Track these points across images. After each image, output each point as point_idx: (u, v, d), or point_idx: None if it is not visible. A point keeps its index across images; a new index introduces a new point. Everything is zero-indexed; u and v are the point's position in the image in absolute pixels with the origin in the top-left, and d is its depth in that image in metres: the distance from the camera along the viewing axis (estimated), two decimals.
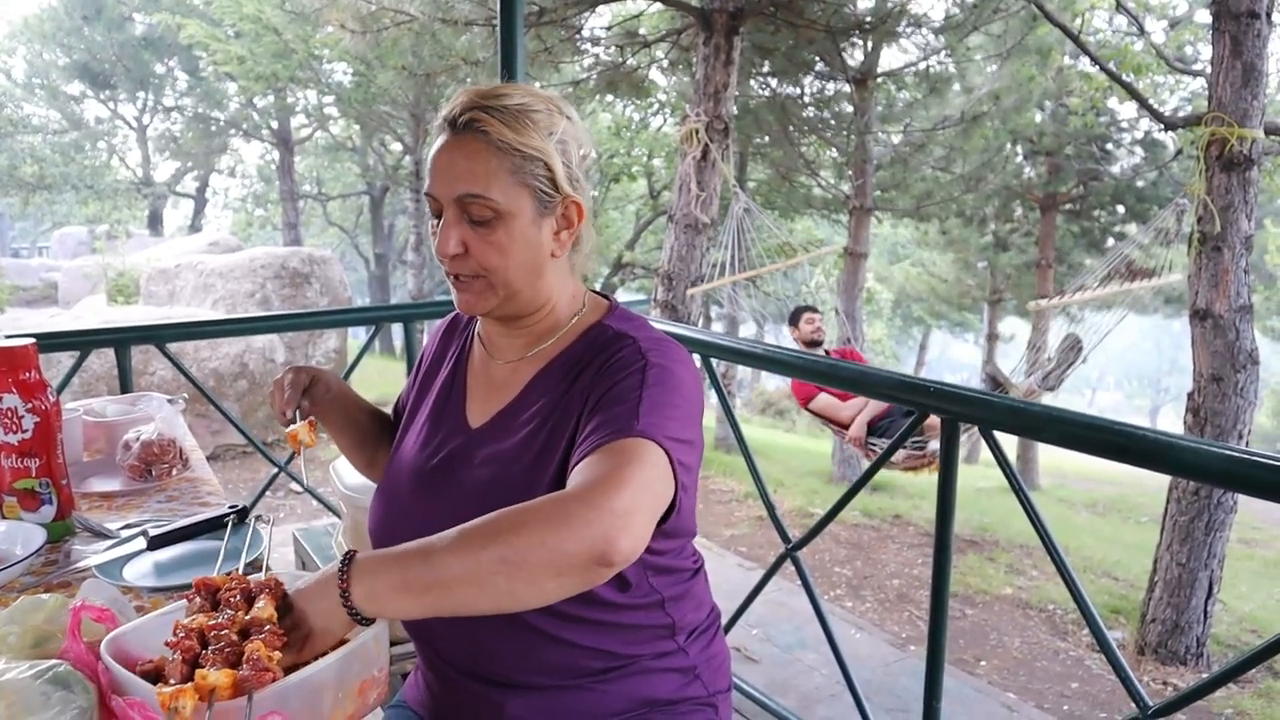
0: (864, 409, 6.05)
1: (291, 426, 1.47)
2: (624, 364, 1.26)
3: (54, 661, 1.04)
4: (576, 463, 1.16)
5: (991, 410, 2.05)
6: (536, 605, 1.06)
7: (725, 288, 8.18)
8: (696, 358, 2.56)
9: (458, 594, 1.01)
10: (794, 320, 6.77)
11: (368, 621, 1.05)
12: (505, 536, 1.01)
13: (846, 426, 6.13)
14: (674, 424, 1.18)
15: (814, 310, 6.79)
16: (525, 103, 1.27)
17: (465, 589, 1.01)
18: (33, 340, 1.62)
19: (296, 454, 1.49)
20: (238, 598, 1.09)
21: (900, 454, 5.74)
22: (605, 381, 1.25)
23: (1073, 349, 5.98)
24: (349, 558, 1.06)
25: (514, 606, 1.05)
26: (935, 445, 5.65)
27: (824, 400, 6.20)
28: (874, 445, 5.96)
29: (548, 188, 1.28)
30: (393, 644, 2.02)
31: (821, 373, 2.63)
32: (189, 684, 0.95)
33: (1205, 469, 1.72)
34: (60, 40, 22.76)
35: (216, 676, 0.94)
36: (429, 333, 1.65)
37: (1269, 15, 4.89)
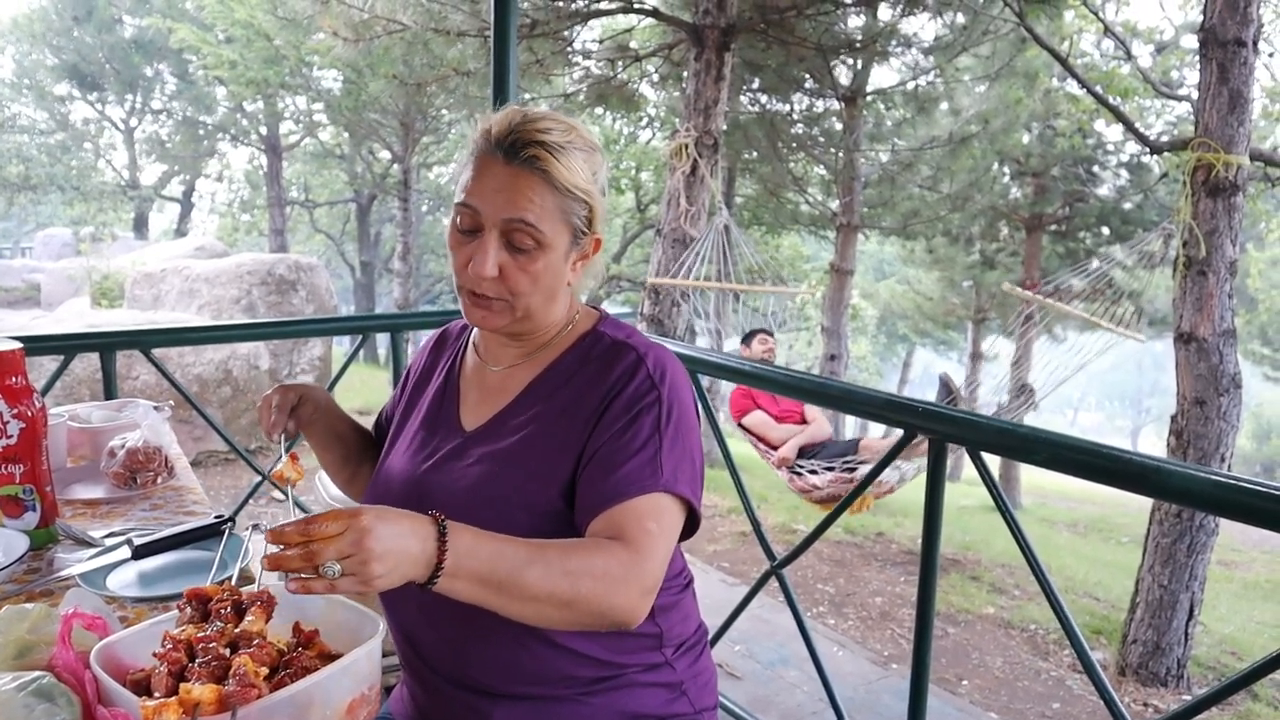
0: (798, 435, 6.11)
1: (275, 466, 1.48)
2: (635, 398, 1.30)
3: (37, 673, 1.03)
4: (599, 508, 1.22)
5: (979, 431, 2.05)
6: (554, 629, 1.21)
7: (711, 302, 8.20)
8: None
9: (511, 605, 1.09)
10: (746, 340, 6.88)
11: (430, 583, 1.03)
12: (575, 581, 1.10)
13: (774, 446, 6.17)
14: (685, 463, 1.28)
15: (768, 333, 6.91)
16: (572, 140, 1.31)
17: (520, 603, 1.09)
18: (20, 345, 1.60)
19: (283, 488, 1.48)
20: (228, 609, 1.09)
21: (827, 476, 5.76)
22: (617, 419, 1.29)
23: (1023, 392, 6.08)
24: (442, 522, 1.04)
25: (540, 626, 1.19)
26: (866, 470, 5.66)
27: (759, 417, 6.25)
28: (801, 468, 5.98)
29: (584, 226, 1.35)
30: (382, 656, 2.01)
31: (808, 390, 2.63)
32: (173, 698, 0.94)
33: (1192, 494, 1.73)
34: (49, 41, 22.63)
35: (200, 691, 0.94)
36: (416, 344, 1.67)
37: (1255, 43, 4.94)
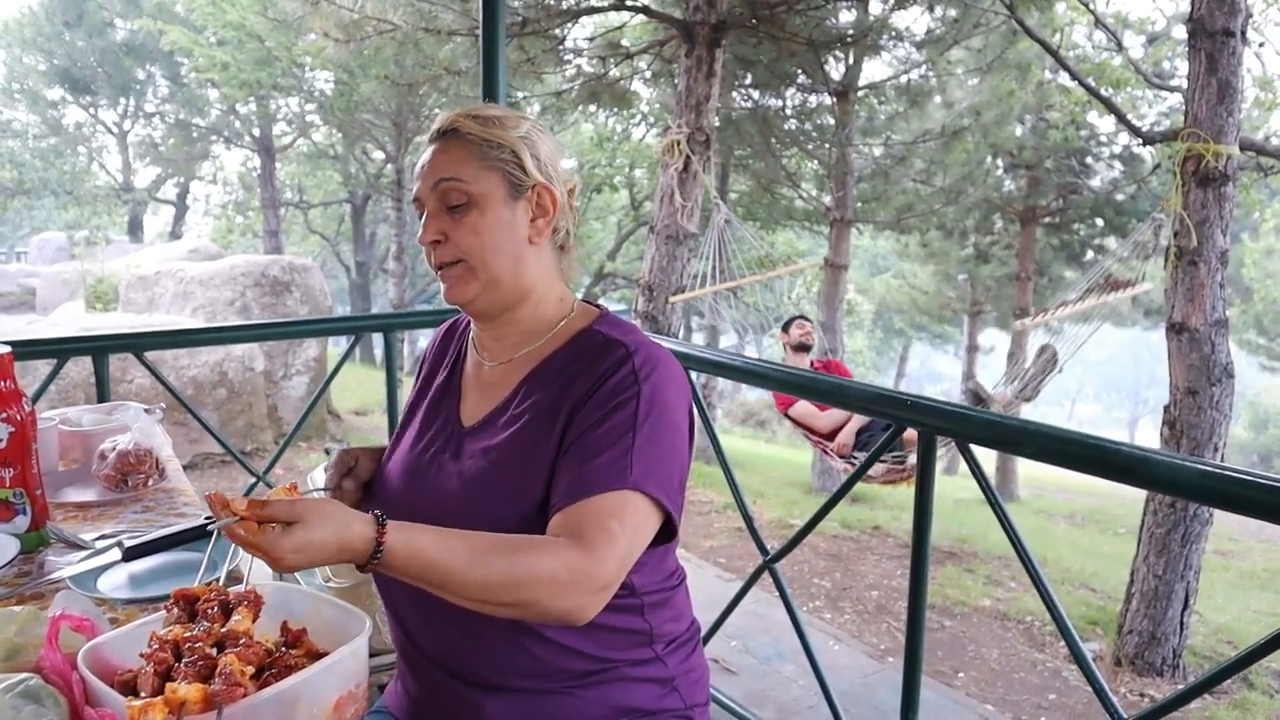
0: (847, 421, 6.11)
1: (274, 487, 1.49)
2: (617, 390, 1.29)
3: (25, 675, 1.03)
4: (564, 503, 1.23)
5: (968, 424, 2.05)
6: None
7: (706, 298, 8.22)
8: None
9: (451, 600, 1.14)
10: (785, 327, 6.98)
11: (368, 566, 1.10)
12: (521, 592, 1.13)
13: (822, 434, 6.18)
14: (660, 462, 1.27)
15: (805, 319, 6.98)
16: (495, 114, 1.39)
17: (461, 602, 1.14)
18: (8, 349, 1.60)
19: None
20: (215, 609, 1.09)
21: (879, 468, 5.77)
22: (597, 409, 1.29)
23: (1050, 360, 6.04)
24: (382, 520, 1.11)
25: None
26: (915, 459, 5.67)
27: (802, 407, 6.26)
28: (855, 458, 5.99)
29: (516, 172, 1.37)
30: (371, 655, 2.01)
31: (800, 386, 2.64)
32: (158, 697, 0.94)
33: (1181, 484, 1.73)
34: (40, 45, 22.57)
35: (186, 690, 0.94)
36: (411, 344, 1.68)
37: (1244, 33, 4.94)
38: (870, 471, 5.78)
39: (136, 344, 3.26)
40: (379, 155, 19.86)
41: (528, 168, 1.37)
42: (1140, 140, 9.34)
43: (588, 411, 1.29)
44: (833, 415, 6.21)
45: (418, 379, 1.61)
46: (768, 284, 8.65)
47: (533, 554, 1.14)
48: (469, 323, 1.57)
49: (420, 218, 1.40)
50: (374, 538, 1.08)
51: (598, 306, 1.48)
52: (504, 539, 1.16)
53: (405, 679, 1.46)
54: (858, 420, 6.11)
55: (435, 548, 1.11)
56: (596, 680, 1.34)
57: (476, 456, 1.36)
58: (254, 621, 1.09)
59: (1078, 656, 1.85)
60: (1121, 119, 7.08)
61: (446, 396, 1.50)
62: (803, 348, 6.69)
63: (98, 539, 1.72)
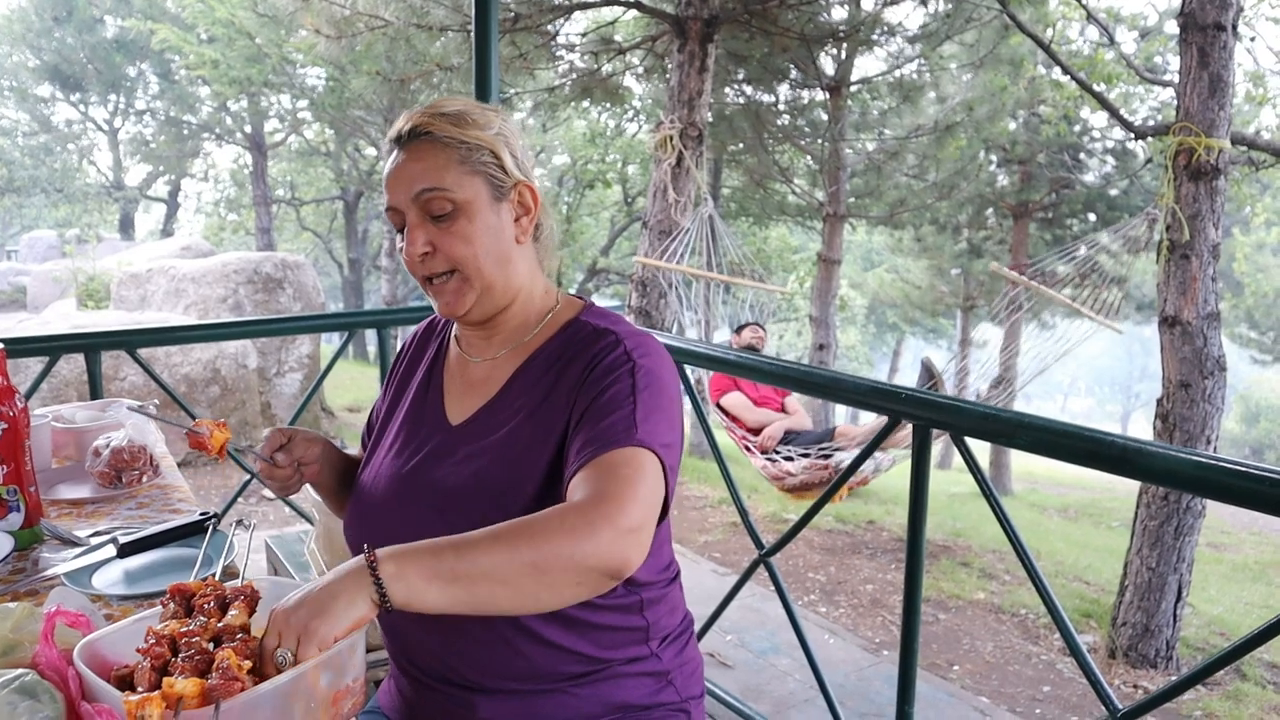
0: (782, 420, 6.20)
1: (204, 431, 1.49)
2: (612, 366, 1.29)
3: (20, 671, 1.03)
4: (577, 468, 1.20)
5: (963, 417, 2.06)
6: (554, 609, 1.15)
7: (699, 293, 8.22)
8: None
9: (483, 589, 1.05)
10: (738, 331, 7.19)
11: (389, 607, 1.03)
12: (534, 542, 1.06)
13: (749, 429, 6.25)
14: (663, 428, 1.25)
15: (759, 325, 7.19)
16: (462, 109, 1.34)
17: (491, 585, 1.05)
18: (1, 346, 1.60)
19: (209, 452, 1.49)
20: (212, 604, 1.09)
21: (800, 464, 5.80)
22: (596, 385, 1.28)
23: (1000, 384, 6.13)
24: (371, 550, 1.05)
25: (535, 608, 1.12)
26: (842, 457, 5.69)
27: (738, 398, 6.32)
28: (777, 454, 6.03)
29: (498, 173, 1.34)
30: (367, 651, 2.01)
31: (795, 379, 2.64)
32: (156, 692, 0.94)
33: (1175, 475, 1.74)
34: (30, 42, 22.47)
35: (184, 685, 0.93)
36: (403, 339, 1.65)
37: (1235, 27, 4.95)
38: (790, 469, 5.83)
39: (129, 341, 3.25)
40: (371, 152, 19.82)
41: (508, 167, 1.34)
42: (1132, 135, 9.34)
43: (586, 389, 1.28)
44: (766, 414, 6.30)
45: (392, 380, 1.57)
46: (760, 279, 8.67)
47: (542, 513, 1.11)
48: (449, 321, 1.55)
49: (398, 228, 1.35)
50: (363, 559, 1.03)
51: (581, 299, 1.47)
52: (505, 524, 1.12)
53: (398, 679, 1.46)
54: (789, 420, 6.19)
55: (429, 542, 1.07)
56: (592, 678, 1.34)
57: (473, 458, 1.34)
58: (250, 616, 1.09)
59: (1073, 648, 1.86)
60: (1114, 113, 7.09)
61: (429, 397, 1.47)
62: (751, 350, 6.80)
63: (92, 535, 1.72)
